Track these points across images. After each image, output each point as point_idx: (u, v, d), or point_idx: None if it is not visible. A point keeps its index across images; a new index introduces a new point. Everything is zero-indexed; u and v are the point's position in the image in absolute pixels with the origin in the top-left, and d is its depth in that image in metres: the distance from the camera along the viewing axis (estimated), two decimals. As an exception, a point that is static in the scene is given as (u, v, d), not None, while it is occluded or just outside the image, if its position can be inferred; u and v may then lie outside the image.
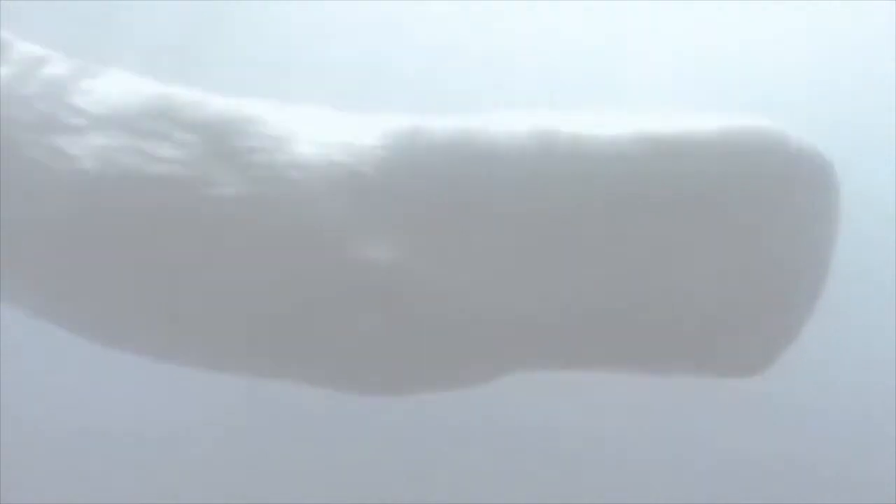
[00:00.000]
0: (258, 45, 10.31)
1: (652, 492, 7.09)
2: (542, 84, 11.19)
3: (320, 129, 4.44)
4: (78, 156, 4.34)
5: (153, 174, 4.29)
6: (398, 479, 6.99)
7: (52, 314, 4.66)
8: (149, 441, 7.32)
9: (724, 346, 3.91)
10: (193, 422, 7.28)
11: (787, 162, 3.70)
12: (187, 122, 4.48)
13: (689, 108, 11.49)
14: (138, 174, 4.29)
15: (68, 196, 4.30)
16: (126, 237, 4.29)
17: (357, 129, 4.40)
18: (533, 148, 3.98)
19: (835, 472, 7.62)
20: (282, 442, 7.33)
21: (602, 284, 3.91)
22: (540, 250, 3.98)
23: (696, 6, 10.51)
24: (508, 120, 4.14)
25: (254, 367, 4.62)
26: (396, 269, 4.08)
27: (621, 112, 4.11)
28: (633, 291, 3.87)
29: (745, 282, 3.77)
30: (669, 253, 3.80)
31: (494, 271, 4.06)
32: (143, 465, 7.05)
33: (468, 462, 7.26)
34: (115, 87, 4.60)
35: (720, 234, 3.75)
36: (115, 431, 7.43)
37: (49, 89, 4.58)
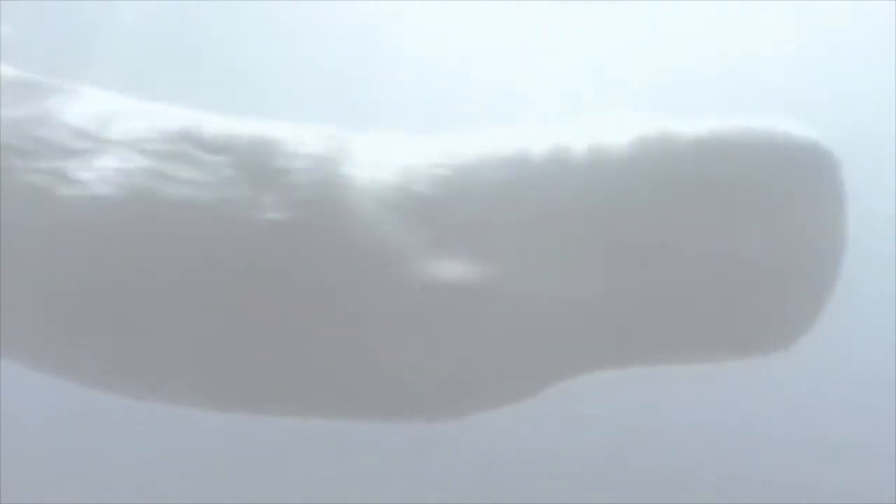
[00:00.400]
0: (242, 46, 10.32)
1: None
2: (539, 88, 11.20)
3: (354, 148, 4.29)
4: (87, 180, 4.04)
5: (179, 198, 3.97)
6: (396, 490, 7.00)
7: (55, 362, 4.32)
8: (150, 442, 7.32)
9: (757, 325, 4.21)
10: (194, 422, 7.29)
11: (797, 155, 4.18)
12: (212, 143, 4.20)
13: (689, 108, 11.50)
14: (162, 198, 3.97)
15: (77, 222, 3.97)
16: (150, 269, 3.94)
17: (398, 148, 4.35)
18: (583, 158, 4.19)
19: (834, 474, 7.63)
20: (282, 446, 7.34)
21: (651, 278, 4.14)
22: (597, 251, 4.12)
23: (696, 6, 10.51)
24: (550, 132, 4.33)
25: (304, 408, 4.30)
26: (473, 285, 4.04)
27: (639, 115, 4.40)
28: (676, 281, 4.12)
29: (768, 264, 4.12)
30: (700, 244, 4.11)
31: (559, 276, 4.11)
32: (145, 466, 7.06)
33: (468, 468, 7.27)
34: (119, 110, 4.30)
35: (744, 220, 4.15)
36: (117, 431, 7.43)
37: (46, 114, 4.26)
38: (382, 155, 4.25)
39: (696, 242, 4.07)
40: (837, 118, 11.02)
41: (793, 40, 10.67)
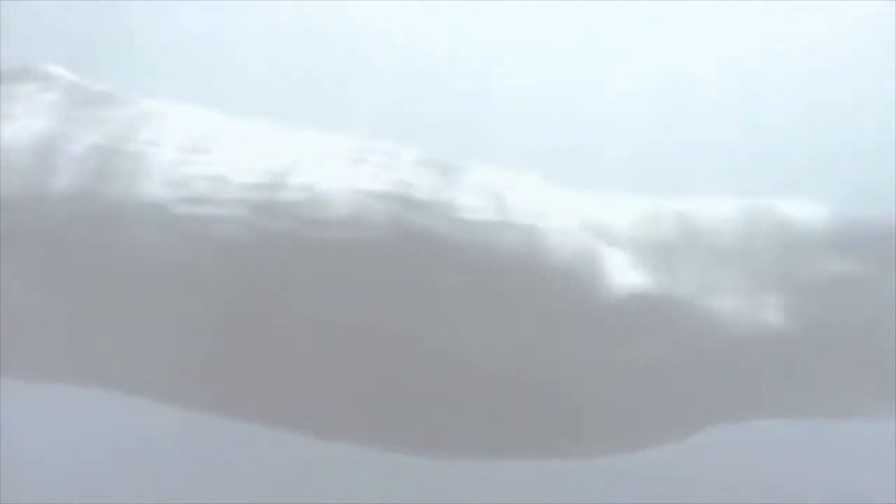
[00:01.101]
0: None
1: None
2: (536, 103, 11.21)
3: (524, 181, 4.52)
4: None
5: (387, 192, 3.97)
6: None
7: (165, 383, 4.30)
8: (151, 445, 7.32)
9: None
10: (196, 424, 7.28)
11: None
12: (405, 154, 4.28)
13: (691, 109, 11.51)
14: (369, 192, 3.96)
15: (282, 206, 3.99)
16: (349, 256, 3.97)
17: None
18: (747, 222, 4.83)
19: (834, 473, 7.63)
20: (286, 452, 7.33)
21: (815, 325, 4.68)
22: (776, 287, 4.59)
23: (696, 7, 10.54)
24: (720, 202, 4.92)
25: (483, 443, 4.27)
26: (668, 296, 4.15)
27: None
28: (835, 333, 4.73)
29: None
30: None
31: (749, 303, 4.40)
32: (146, 467, 7.05)
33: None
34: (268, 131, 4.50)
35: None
36: (118, 432, 7.42)
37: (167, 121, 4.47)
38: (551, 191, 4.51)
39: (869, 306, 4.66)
40: (837, 118, 11.02)
41: (792, 41, 10.68)
